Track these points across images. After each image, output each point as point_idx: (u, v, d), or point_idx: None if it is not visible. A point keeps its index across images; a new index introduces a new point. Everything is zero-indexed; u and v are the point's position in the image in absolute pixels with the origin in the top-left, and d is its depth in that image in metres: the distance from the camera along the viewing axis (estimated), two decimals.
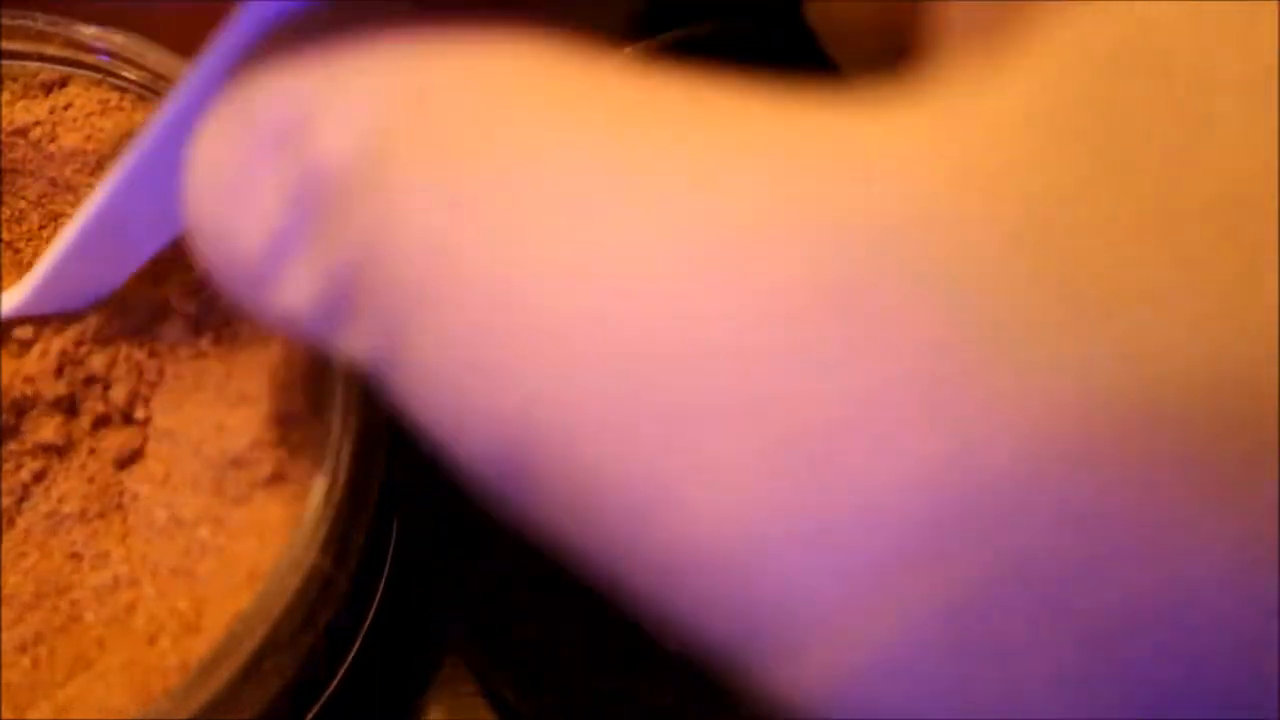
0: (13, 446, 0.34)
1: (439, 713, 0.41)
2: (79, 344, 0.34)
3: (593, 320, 0.16)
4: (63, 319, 0.35)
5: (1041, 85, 0.15)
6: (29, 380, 0.34)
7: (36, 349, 0.35)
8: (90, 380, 0.35)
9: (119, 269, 0.34)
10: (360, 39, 0.20)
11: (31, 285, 0.34)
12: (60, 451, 0.35)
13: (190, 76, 0.25)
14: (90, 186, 0.36)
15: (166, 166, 0.29)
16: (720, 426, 0.15)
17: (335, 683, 0.37)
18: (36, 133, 0.36)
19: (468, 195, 0.17)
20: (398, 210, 0.18)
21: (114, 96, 0.37)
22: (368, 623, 0.38)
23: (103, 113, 0.37)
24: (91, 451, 0.35)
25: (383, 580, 0.38)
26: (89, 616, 0.33)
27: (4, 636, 0.33)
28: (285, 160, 0.21)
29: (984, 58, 0.16)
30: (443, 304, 0.18)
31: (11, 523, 0.34)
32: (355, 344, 0.20)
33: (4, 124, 0.37)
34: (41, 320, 0.35)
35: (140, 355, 0.34)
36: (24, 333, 0.35)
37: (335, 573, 0.33)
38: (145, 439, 0.35)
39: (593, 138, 0.17)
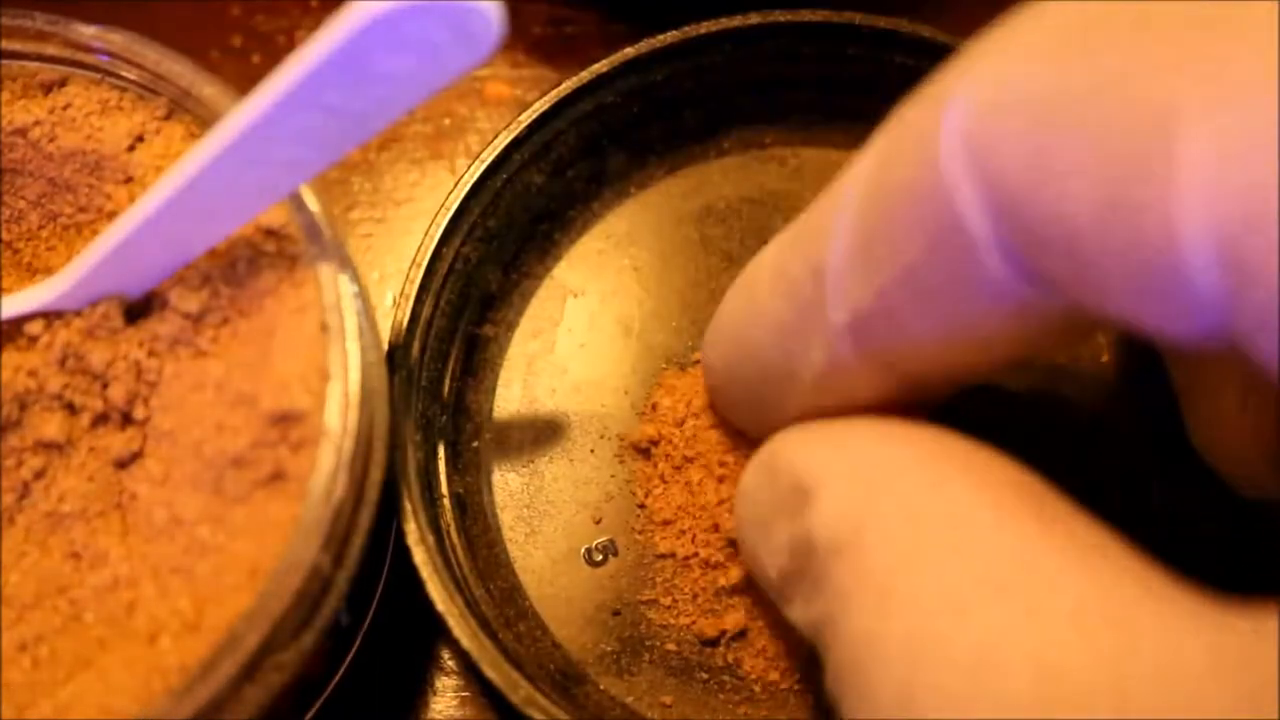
0: (14, 442, 0.34)
1: (439, 712, 0.40)
2: (82, 339, 0.35)
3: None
4: (70, 313, 0.35)
5: None
6: (32, 374, 0.34)
7: (41, 342, 0.35)
8: (89, 377, 0.35)
9: (161, 269, 0.35)
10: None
11: (69, 282, 0.34)
12: (60, 450, 0.35)
13: (242, 113, 0.30)
14: (90, 187, 0.36)
15: (220, 182, 0.32)
16: None
17: (335, 682, 0.37)
18: (36, 133, 0.36)
19: (896, 601, 0.25)
20: (847, 596, 0.26)
21: (113, 96, 0.37)
22: (367, 622, 0.38)
23: (102, 112, 0.37)
24: (91, 450, 0.35)
25: (382, 580, 0.38)
26: (89, 616, 0.33)
27: (5, 636, 0.33)
28: (794, 518, 0.30)
29: None
30: (869, 674, 0.25)
31: (12, 521, 0.34)
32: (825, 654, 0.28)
33: (3, 124, 0.37)
34: (53, 316, 0.35)
35: (140, 354, 0.34)
36: (34, 327, 0.35)
37: (335, 572, 0.33)
38: (145, 438, 0.34)
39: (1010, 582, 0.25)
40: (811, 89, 0.46)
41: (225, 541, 0.33)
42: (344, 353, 0.33)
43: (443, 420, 0.42)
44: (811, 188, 0.46)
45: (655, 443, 0.42)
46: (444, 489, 0.41)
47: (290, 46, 0.31)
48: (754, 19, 0.44)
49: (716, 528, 0.41)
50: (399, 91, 0.31)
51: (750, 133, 0.47)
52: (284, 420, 0.33)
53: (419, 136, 0.48)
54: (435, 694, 0.41)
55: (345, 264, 0.35)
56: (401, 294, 0.41)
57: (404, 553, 0.38)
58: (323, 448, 0.32)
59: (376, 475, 0.35)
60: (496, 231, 0.44)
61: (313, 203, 0.35)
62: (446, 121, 0.48)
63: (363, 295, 0.35)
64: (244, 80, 0.33)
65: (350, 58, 0.29)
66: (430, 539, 0.38)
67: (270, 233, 0.35)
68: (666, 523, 0.41)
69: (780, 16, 0.44)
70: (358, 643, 0.37)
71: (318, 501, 0.32)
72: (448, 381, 0.43)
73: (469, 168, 0.43)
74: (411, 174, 0.48)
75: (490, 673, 0.37)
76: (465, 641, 0.37)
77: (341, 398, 0.33)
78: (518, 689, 0.36)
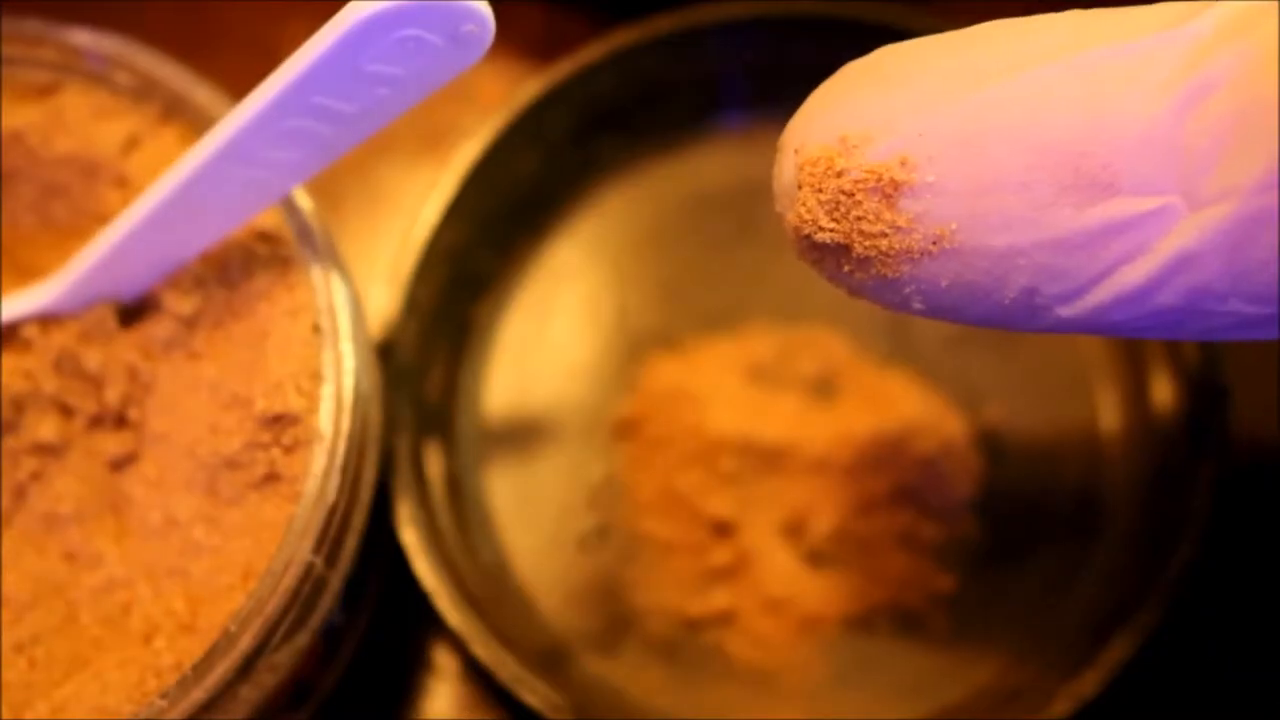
0: (10, 444, 0.35)
1: (434, 713, 0.41)
2: (76, 342, 0.35)
3: None
4: (65, 317, 0.35)
5: None
6: (28, 376, 0.35)
7: (38, 345, 0.35)
8: (84, 379, 0.35)
9: (154, 272, 0.35)
10: None
11: (63, 286, 0.35)
12: (56, 452, 0.35)
13: (235, 117, 0.31)
14: (84, 190, 0.37)
15: (213, 185, 0.32)
16: None
17: (330, 683, 0.37)
18: (30, 137, 0.36)
19: None
20: None
21: (107, 100, 0.37)
22: (363, 623, 0.38)
23: (96, 117, 0.37)
24: (86, 452, 0.35)
25: (377, 581, 0.39)
26: (85, 617, 0.33)
27: (2, 637, 0.33)
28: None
29: None
30: None
31: (9, 523, 0.35)
32: None
33: None
34: (48, 319, 0.35)
35: (134, 357, 0.35)
36: (29, 330, 0.35)
37: (328, 573, 0.33)
38: (139, 440, 0.35)
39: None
40: (804, 78, 0.46)
41: (219, 543, 0.33)
42: (337, 354, 0.34)
43: (434, 404, 0.43)
44: None
45: (636, 423, 0.43)
46: (435, 473, 0.42)
47: (284, 50, 0.30)
48: (747, 9, 0.44)
49: (697, 512, 0.41)
50: (392, 94, 0.31)
51: (742, 120, 0.47)
52: (277, 422, 0.33)
53: (411, 138, 0.48)
54: (430, 695, 0.41)
55: (338, 266, 0.35)
56: (393, 278, 0.42)
57: (399, 552, 0.39)
58: (315, 449, 0.33)
59: (370, 476, 0.35)
60: (488, 216, 0.44)
61: (305, 205, 0.35)
62: (439, 123, 0.48)
63: (355, 297, 0.35)
64: (238, 84, 0.33)
65: (342, 60, 0.29)
66: (420, 521, 0.39)
67: (263, 235, 0.35)
68: (652, 506, 0.42)
69: (774, 8, 0.44)
70: (353, 644, 0.38)
71: (311, 502, 0.32)
72: (439, 366, 0.43)
73: (461, 152, 0.43)
74: (404, 176, 0.48)
75: (478, 651, 0.37)
76: (453, 620, 0.38)
77: (334, 399, 0.33)
78: (505, 667, 0.37)
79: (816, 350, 0.43)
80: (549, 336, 0.45)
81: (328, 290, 0.34)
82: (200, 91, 0.36)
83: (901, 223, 0.25)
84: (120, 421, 0.35)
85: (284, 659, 0.33)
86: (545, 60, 0.46)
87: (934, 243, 0.25)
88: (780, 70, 0.46)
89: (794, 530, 0.41)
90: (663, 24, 0.45)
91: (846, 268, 0.26)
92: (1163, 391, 0.41)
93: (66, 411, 0.35)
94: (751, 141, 0.47)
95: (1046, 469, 0.42)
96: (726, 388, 0.43)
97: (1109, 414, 0.42)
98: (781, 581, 0.40)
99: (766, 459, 0.42)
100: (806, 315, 0.44)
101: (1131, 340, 0.42)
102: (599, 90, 0.45)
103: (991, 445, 0.42)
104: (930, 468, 0.41)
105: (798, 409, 0.42)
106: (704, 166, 0.47)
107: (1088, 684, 0.36)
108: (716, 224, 0.46)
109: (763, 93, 0.46)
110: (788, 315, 0.44)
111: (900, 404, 0.42)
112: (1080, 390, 0.42)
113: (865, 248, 0.25)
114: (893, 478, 0.41)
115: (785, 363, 0.43)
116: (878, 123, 0.25)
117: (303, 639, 0.33)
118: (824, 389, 0.43)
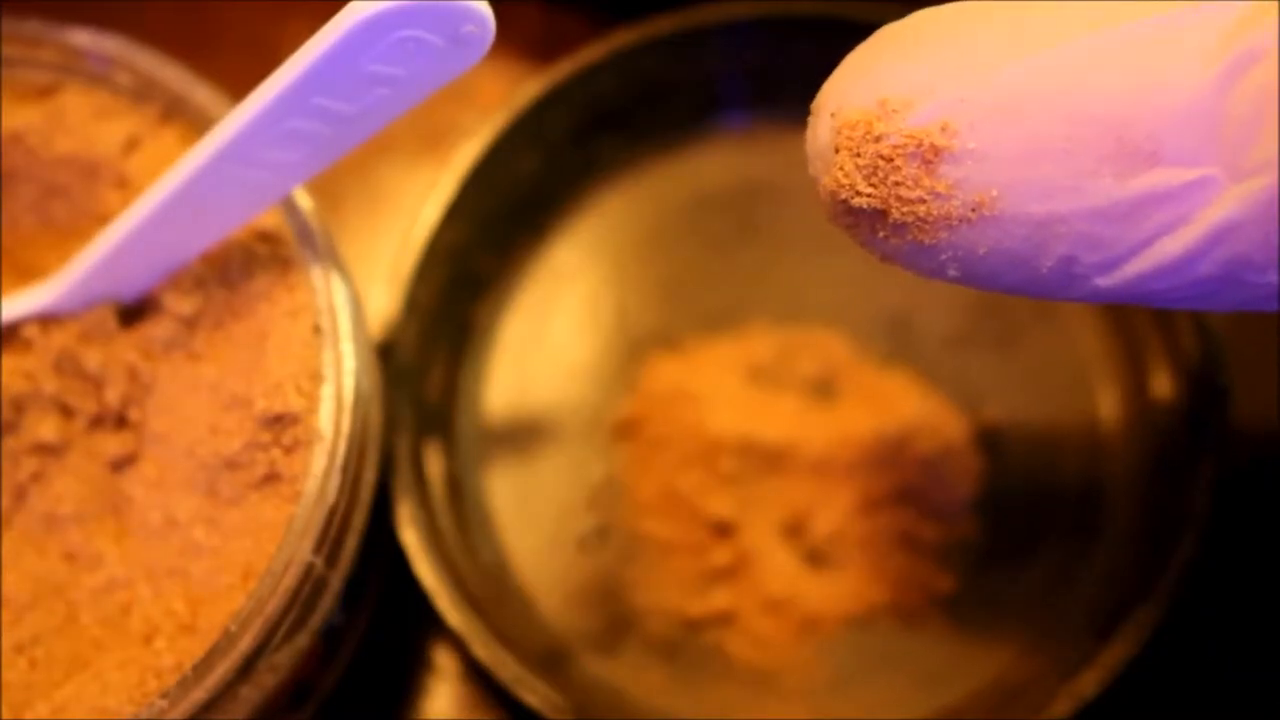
0: (11, 444, 0.35)
1: (434, 713, 0.41)
2: (76, 342, 0.35)
3: None
4: (65, 317, 0.35)
5: None
6: (28, 376, 0.35)
7: (38, 345, 0.35)
8: (84, 380, 0.35)
9: (154, 273, 0.35)
10: None
11: (64, 286, 0.35)
12: (56, 452, 0.35)
13: (236, 117, 0.31)
14: (85, 191, 0.37)
15: (213, 186, 0.32)
16: None
17: (331, 682, 0.37)
18: (31, 137, 0.37)
19: None
20: None
21: (108, 101, 0.37)
22: (363, 623, 0.38)
23: (97, 117, 0.37)
24: (87, 453, 0.35)
25: (377, 581, 0.39)
26: (85, 617, 0.34)
27: (2, 637, 0.33)
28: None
29: None
30: None
31: (9, 523, 0.35)
32: None
33: None
34: (48, 320, 0.35)
35: (134, 357, 0.35)
36: (30, 331, 0.35)
37: (328, 573, 0.33)
38: (139, 441, 0.35)
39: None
40: (804, 78, 0.46)
41: (219, 543, 0.33)
42: (337, 354, 0.34)
43: (435, 405, 0.43)
44: (802, 177, 0.46)
45: (636, 423, 0.43)
46: (435, 473, 0.42)
47: (284, 50, 0.31)
48: (747, 9, 0.44)
49: (697, 512, 0.41)
50: (392, 94, 0.31)
51: (742, 120, 0.47)
52: (277, 422, 0.33)
53: (411, 139, 0.48)
54: (430, 695, 0.41)
55: (338, 266, 0.35)
56: (393, 278, 0.42)
57: (399, 552, 0.39)
58: (316, 449, 0.33)
59: (370, 476, 0.35)
60: (488, 216, 0.44)
61: (305, 205, 0.35)
62: (439, 124, 0.48)
63: (355, 297, 0.35)
64: (238, 84, 0.33)
65: (342, 60, 0.29)
66: (420, 522, 0.39)
67: (263, 235, 0.35)
68: (652, 506, 0.42)
69: (774, 8, 0.44)
70: (353, 644, 0.38)
71: (311, 502, 0.32)
72: (439, 366, 0.43)
73: (461, 152, 0.43)
74: (404, 176, 0.48)
75: (478, 651, 0.37)
76: (453, 620, 0.38)
77: (334, 399, 0.33)
78: (505, 667, 0.37)
79: (816, 350, 0.43)
80: (549, 336, 0.45)
81: (328, 290, 0.34)
82: (200, 91, 0.36)
83: (941, 189, 0.25)
84: (120, 422, 0.35)
85: (284, 659, 0.33)
86: (545, 60, 0.46)
87: (973, 210, 0.25)
88: (780, 70, 0.45)
89: (794, 530, 0.41)
90: (663, 24, 0.45)
91: (881, 233, 0.26)
92: (1162, 389, 0.41)
93: (66, 412, 0.35)
94: (751, 141, 0.47)
95: (1046, 468, 0.42)
96: (726, 388, 0.43)
97: (1109, 413, 0.42)
98: (782, 581, 0.40)
99: (766, 459, 0.42)
100: (806, 315, 0.44)
101: (1131, 338, 0.42)
102: (599, 90, 0.45)
103: (991, 445, 0.42)
104: (930, 468, 0.41)
105: (798, 409, 0.42)
106: (704, 166, 0.47)
107: (1088, 684, 0.36)
108: (716, 224, 0.46)
109: (763, 93, 0.46)
110: (788, 315, 0.44)
111: (900, 404, 0.42)
112: (1080, 389, 0.42)
113: (903, 213, 0.25)
114: (893, 478, 0.41)
115: (785, 363, 0.43)
116: (918, 87, 0.25)
117: (303, 639, 0.33)
118: (824, 389, 0.43)
